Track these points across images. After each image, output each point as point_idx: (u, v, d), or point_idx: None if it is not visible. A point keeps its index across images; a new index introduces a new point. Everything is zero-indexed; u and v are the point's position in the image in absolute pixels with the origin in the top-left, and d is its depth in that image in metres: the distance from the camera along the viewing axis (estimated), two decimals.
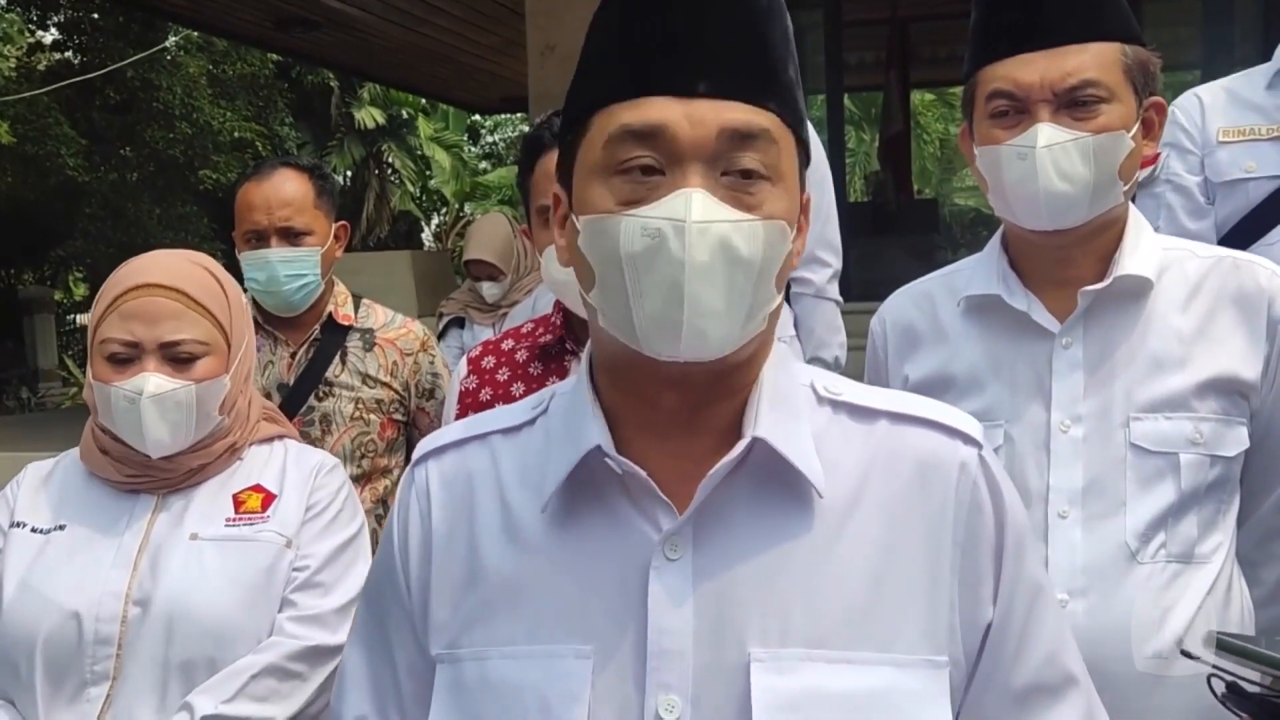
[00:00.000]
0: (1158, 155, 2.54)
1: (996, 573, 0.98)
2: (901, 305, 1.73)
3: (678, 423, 0.96)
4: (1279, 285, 1.53)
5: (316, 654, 1.62)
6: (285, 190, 2.40)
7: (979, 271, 1.64)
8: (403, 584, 1.03)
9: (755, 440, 0.94)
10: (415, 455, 1.08)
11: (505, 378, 1.79)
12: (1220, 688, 1.10)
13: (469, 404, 1.77)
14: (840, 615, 0.92)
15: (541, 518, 0.98)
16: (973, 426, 1.01)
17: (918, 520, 0.96)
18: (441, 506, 1.03)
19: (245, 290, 2.38)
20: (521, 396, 1.73)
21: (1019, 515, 1.01)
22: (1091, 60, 1.47)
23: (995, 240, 1.65)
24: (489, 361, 1.82)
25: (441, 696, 0.98)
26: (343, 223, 2.54)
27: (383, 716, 1.05)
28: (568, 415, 1.01)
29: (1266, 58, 2.46)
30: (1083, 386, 1.53)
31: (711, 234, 0.87)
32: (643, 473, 0.94)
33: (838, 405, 1.01)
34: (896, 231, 8.79)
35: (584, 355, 1.04)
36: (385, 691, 1.05)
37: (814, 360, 2.62)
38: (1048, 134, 1.47)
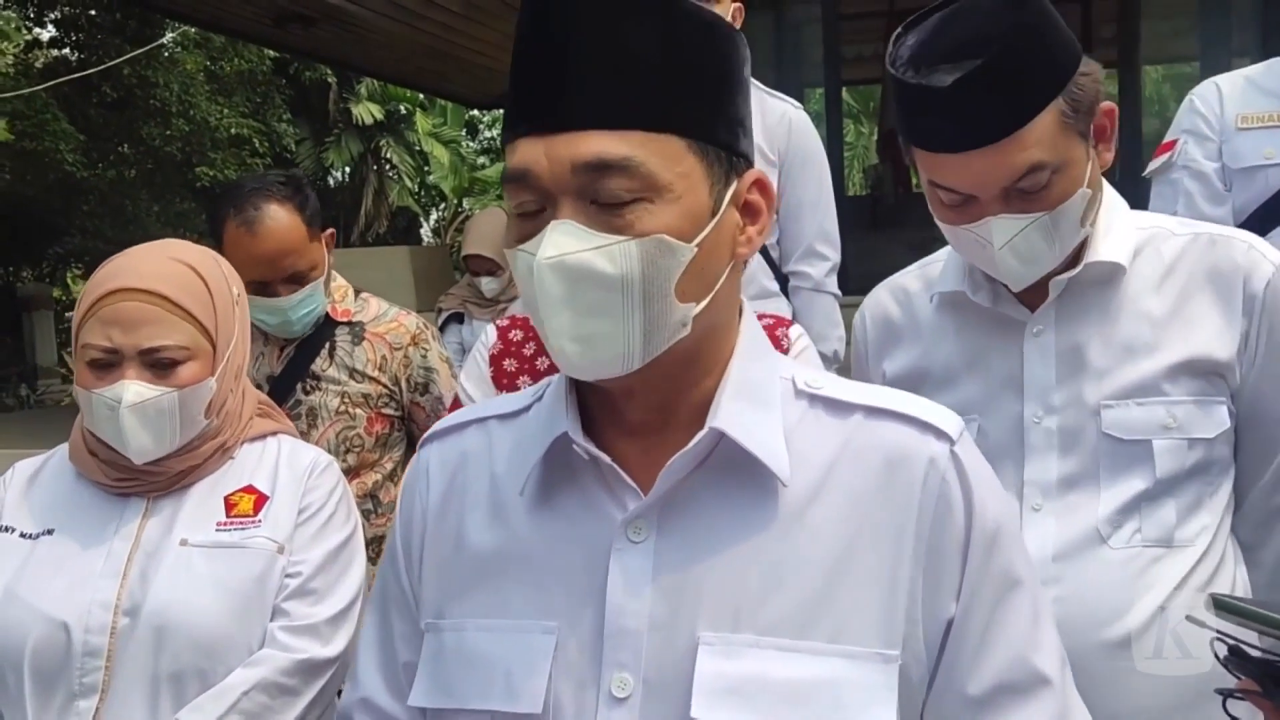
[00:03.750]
0: (1174, 142, 2.56)
1: (961, 568, 0.97)
2: (880, 300, 1.72)
3: (646, 417, 1.00)
4: (1256, 259, 1.48)
5: (309, 667, 1.59)
6: (280, 237, 2.28)
7: (948, 266, 1.62)
8: (401, 562, 1.10)
9: (713, 431, 0.96)
10: (421, 440, 1.15)
11: (531, 352, 1.84)
12: (1222, 651, 1.10)
13: (499, 367, 1.85)
14: (794, 604, 0.94)
15: (521, 499, 1.02)
16: (948, 421, 1.01)
17: (881, 513, 0.96)
18: (437, 486, 1.09)
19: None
20: (546, 370, 1.79)
21: (994, 511, 0.99)
22: (1031, 146, 1.36)
23: None
24: (516, 335, 1.88)
25: (425, 664, 1.04)
26: (330, 231, 2.48)
27: (390, 693, 1.09)
28: (551, 403, 1.04)
29: (1262, 48, 2.48)
30: (1055, 375, 1.50)
31: (569, 264, 0.89)
32: (606, 458, 0.98)
33: (815, 399, 1.02)
34: (895, 225, 8.77)
35: None
36: (391, 668, 1.10)
37: None
38: (1003, 228, 1.40)
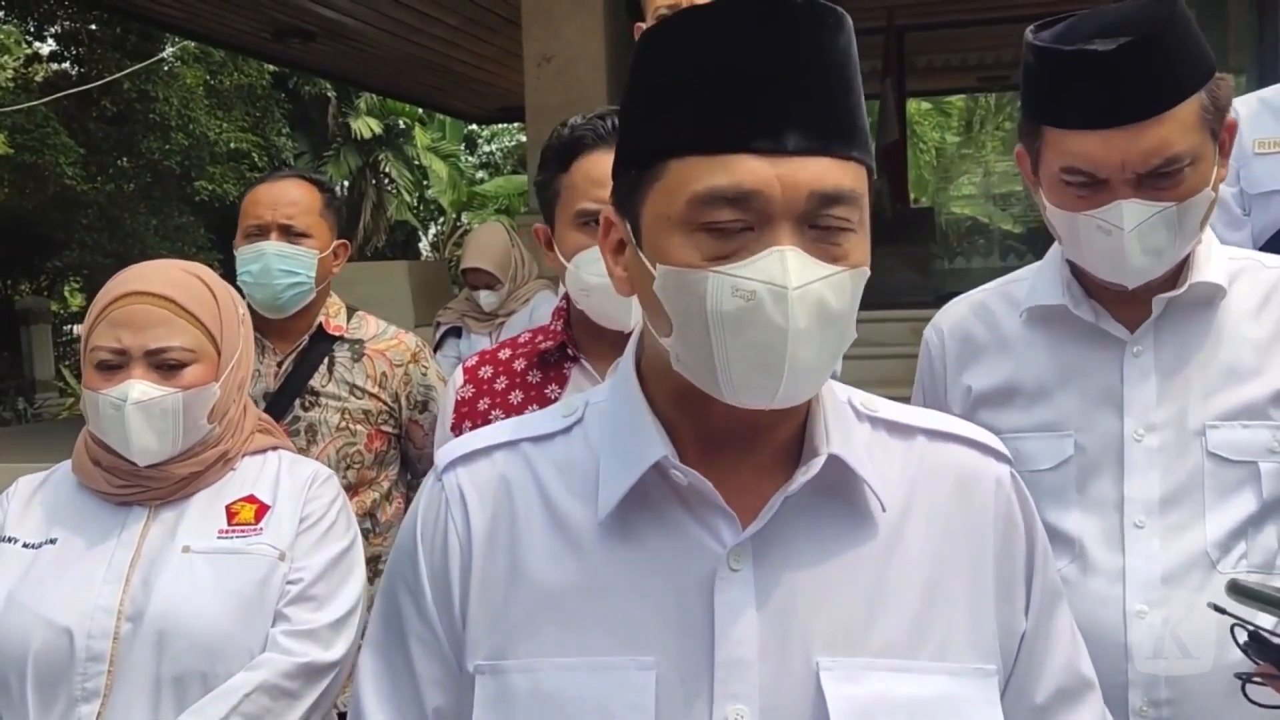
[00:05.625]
0: None
1: (1028, 584, 1.02)
2: (960, 315, 1.70)
3: (737, 440, 0.97)
4: None
5: (310, 671, 1.60)
6: (292, 192, 2.47)
7: (1040, 282, 1.61)
8: (430, 599, 1.00)
9: (831, 457, 0.95)
10: (439, 463, 1.04)
11: (503, 386, 1.77)
12: (1242, 637, 1.11)
13: (465, 413, 1.76)
14: (900, 625, 0.94)
15: (594, 528, 0.96)
16: (1001, 444, 1.05)
17: (961, 533, 0.99)
18: (480, 514, 0.99)
19: (243, 296, 2.39)
20: (520, 404, 1.72)
21: (1041, 527, 1.05)
22: (1175, 131, 1.38)
23: (1056, 250, 1.61)
24: (486, 371, 1.80)
25: (486, 710, 0.95)
26: (343, 241, 2.57)
27: None
28: (619, 425, 0.99)
29: (1259, 67, 2.48)
30: (1156, 394, 1.50)
31: (809, 296, 0.86)
32: (709, 484, 0.93)
33: (876, 421, 1.02)
34: (893, 240, 8.80)
35: (627, 366, 1.02)
36: (408, 709, 1.01)
37: None
38: (1134, 213, 1.40)
